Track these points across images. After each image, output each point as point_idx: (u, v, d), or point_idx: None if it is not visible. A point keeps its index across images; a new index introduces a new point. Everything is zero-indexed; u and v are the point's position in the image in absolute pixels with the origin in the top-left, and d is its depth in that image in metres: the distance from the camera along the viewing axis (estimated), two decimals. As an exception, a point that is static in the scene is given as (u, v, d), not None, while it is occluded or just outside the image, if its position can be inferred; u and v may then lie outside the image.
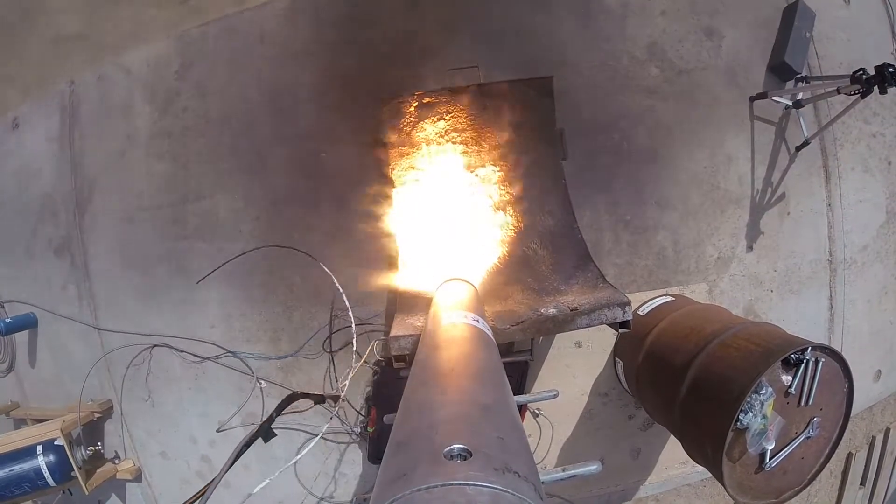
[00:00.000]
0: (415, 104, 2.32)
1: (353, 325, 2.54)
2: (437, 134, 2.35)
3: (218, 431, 2.86)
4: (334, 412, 2.70)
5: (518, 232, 2.33)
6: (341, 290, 2.54)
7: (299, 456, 2.50)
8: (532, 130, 2.38)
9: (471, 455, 0.55)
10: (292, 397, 1.99)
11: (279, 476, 2.61)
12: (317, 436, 2.59)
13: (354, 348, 2.60)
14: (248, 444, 1.60)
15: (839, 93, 2.39)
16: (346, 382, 2.41)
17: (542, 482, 0.74)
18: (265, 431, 1.77)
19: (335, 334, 2.73)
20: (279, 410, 1.87)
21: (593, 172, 2.73)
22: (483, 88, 2.32)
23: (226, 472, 1.41)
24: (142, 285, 2.87)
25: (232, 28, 2.75)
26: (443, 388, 0.77)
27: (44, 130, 3.04)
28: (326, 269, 2.57)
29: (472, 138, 2.36)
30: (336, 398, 2.55)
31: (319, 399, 2.36)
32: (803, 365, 1.94)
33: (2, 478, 2.69)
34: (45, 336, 3.14)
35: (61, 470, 2.73)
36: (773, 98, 2.78)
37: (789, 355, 1.93)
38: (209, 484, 1.40)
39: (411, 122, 2.34)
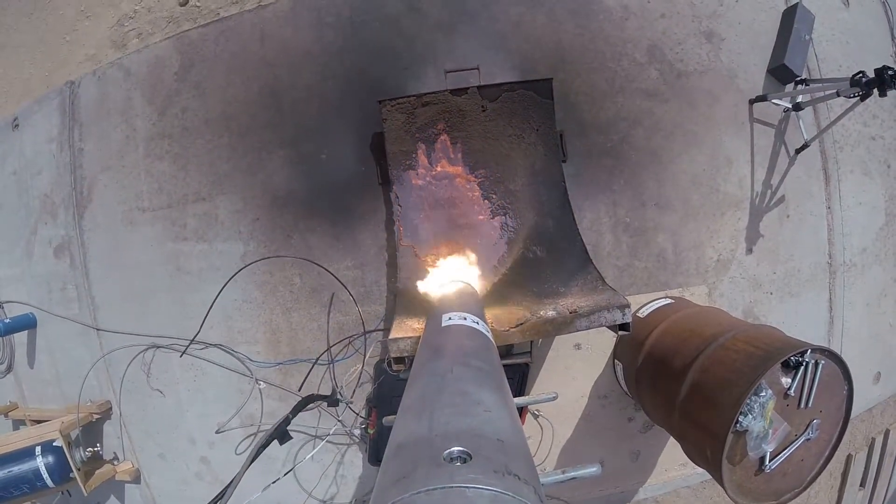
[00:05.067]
0: (415, 105, 2.32)
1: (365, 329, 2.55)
2: (436, 135, 2.35)
3: (217, 433, 2.86)
4: (340, 415, 2.70)
5: (518, 234, 2.33)
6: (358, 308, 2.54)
7: (309, 455, 2.51)
8: (532, 132, 2.38)
9: (470, 457, 0.55)
10: (308, 399, 1.99)
11: (274, 476, 2.61)
12: (324, 439, 2.61)
13: (367, 355, 2.60)
14: (264, 446, 1.60)
15: (839, 95, 2.40)
16: (354, 388, 2.42)
17: (542, 484, 0.74)
18: (281, 434, 1.77)
19: (334, 334, 2.73)
20: (295, 412, 1.87)
21: (593, 174, 2.73)
22: (483, 90, 2.32)
23: (242, 475, 1.41)
24: (141, 286, 2.86)
25: (232, 29, 2.75)
26: (442, 390, 0.77)
27: (44, 130, 3.03)
28: (342, 283, 2.57)
29: (471, 140, 2.37)
30: (348, 403, 2.58)
31: (333, 401, 2.37)
32: (803, 367, 1.94)
33: (0, 479, 2.68)
34: (44, 337, 3.14)
35: (60, 471, 2.73)
36: (773, 101, 2.79)
37: (789, 358, 1.93)
38: (227, 487, 1.40)
39: (411, 122, 2.34)
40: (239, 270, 2.64)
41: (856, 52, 3.10)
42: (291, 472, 2.75)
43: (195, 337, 2.72)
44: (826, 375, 1.98)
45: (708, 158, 2.83)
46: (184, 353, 2.76)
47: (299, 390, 2.71)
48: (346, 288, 2.60)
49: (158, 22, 2.85)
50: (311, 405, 2.08)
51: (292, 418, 1.84)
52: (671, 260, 2.83)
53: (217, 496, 1.42)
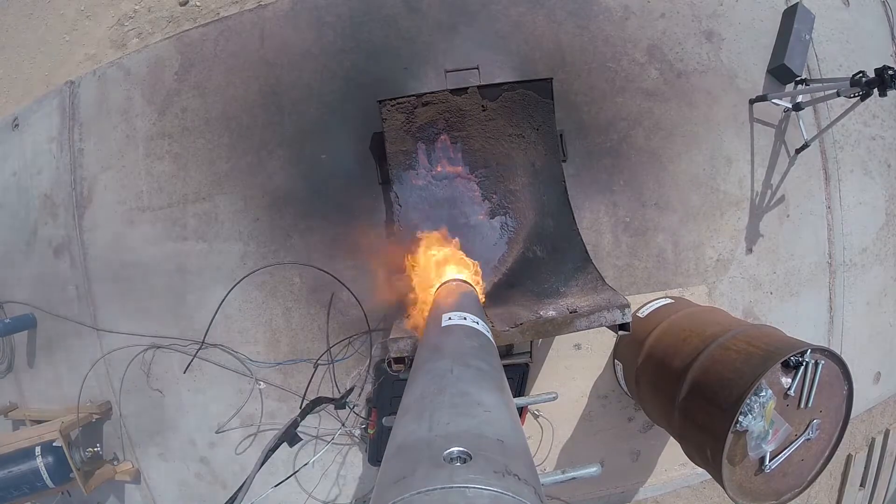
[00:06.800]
0: (415, 105, 2.32)
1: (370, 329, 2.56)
2: (436, 135, 2.35)
3: (217, 433, 2.86)
4: (346, 418, 2.71)
5: (518, 234, 2.33)
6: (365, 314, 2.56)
7: (313, 459, 2.51)
8: (532, 132, 2.38)
9: (470, 458, 0.55)
10: (317, 402, 1.99)
11: (276, 477, 2.61)
12: (328, 441, 2.61)
13: (372, 356, 2.60)
14: (273, 449, 1.59)
15: (839, 95, 2.40)
16: (360, 391, 2.44)
17: (542, 484, 0.74)
18: (291, 436, 1.76)
19: (334, 334, 2.73)
20: (304, 415, 1.87)
21: (593, 174, 2.73)
22: (483, 90, 2.32)
23: (253, 478, 1.41)
24: (141, 286, 2.86)
25: (232, 29, 2.75)
26: (442, 391, 0.77)
27: (44, 130, 3.03)
28: (353, 293, 2.58)
29: (471, 139, 2.37)
30: (353, 406, 2.60)
31: (341, 404, 2.38)
32: (803, 367, 1.94)
33: (0, 479, 2.68)
34: (44, 337, 3.13)
35: (60, 472, 2.72)
36: (773, 101, 2.79)
37: (789, 358, 1.93)
38: (238, 490, 1.40)
39: (411, 122, 2.34)
40: (245, 276, 2.64)
41: (856, 52, 3.10)
42: (288, 472, 2.75)
43: (199, 348, 2.73)
44: (826, 375, 1.98)
45: (708, 158, 2.83)
46: (187, 368, 2.78)
47: (304, 393, 2.70)
48: (350, 291, 2.60)
49: (158, 22, 2.85)
50: (318, 408, 2.08)
51: (301, 421, 1.84)
52: (671, 260, 2.83)
53: (230, 500, 1.42)
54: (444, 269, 1.85)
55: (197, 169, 2.77)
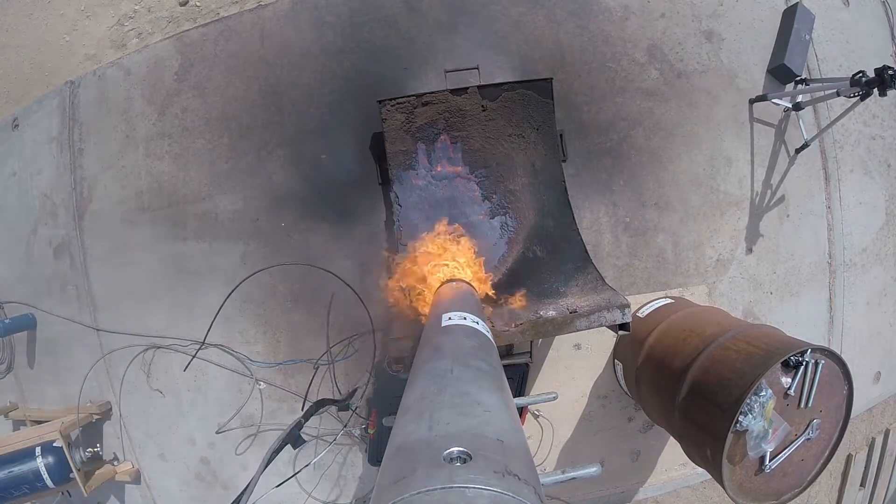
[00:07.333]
0: (415, 105, 2.32)
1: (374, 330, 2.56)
2: (436, 135, 2.35)
3: (217, 433, 2.86)
4: (348, 419, 2.71)
5: (518, 233, 2.33)
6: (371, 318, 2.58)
7: (314, 460, 2.51)
8: (532, 131, 2.38)
9: (470, 458, 0.55)
10: (320, 403, 2.00)
11: (277, 477, 2.62)
12: (329, 442, 2.62)
13: (375, 358, 2.62)
14: (277, 451, 1.59)
15: (839, 95, 2.40)
16: (363, 392, 2.44)
17: (542, 484, 0.74)
18: (294, 438, 1.77)
19: (334, 334, 2.73)
20: (307, 416, 1.87)
21: (593, 174, 2.73)
22: (483, 90, 2.32)
23: (257, 480, 1.42)
24: (141, 286, 2.86)
25: (232, 29, 2.75)
26: (442, 391, 0.77)
27: (44, 130, 3.03)
28: (353, 288, 2.59)
29: (471, 139, 2.37)
30: (355, 409, 2.61)
31: (344, 406, 2.38)
32: (803, 367, 1.94)
33: (1, 479, 2.68)
34: (44, 337, 3.13)
35: (60, 472, 2.72)
36: (773, 100, 2.79)
37: (789, 357, 1.93)
38: (242, 493, 1.41)
39: (410, 122, 2.34)
40: (246, 278, 2.64)
41: (856, 52, 3.10)
42: (288, 472, 2.75)
43: (200, 347, 2.72)
44: (826, 375, 1.98)
45: (708, 158, 2.83)
46: (187, 366, 2.77)
47: (306, 393, 2.71)
48: (355, 292, 2.61)
49: (158, 22, 2.85)
50: (322, 409, 2.08)
51: (305, 423, 1.84)
52: (671, 260, 2.83)
53: (234, 501, 1.42)
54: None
55: (197, 169, 2.77)
